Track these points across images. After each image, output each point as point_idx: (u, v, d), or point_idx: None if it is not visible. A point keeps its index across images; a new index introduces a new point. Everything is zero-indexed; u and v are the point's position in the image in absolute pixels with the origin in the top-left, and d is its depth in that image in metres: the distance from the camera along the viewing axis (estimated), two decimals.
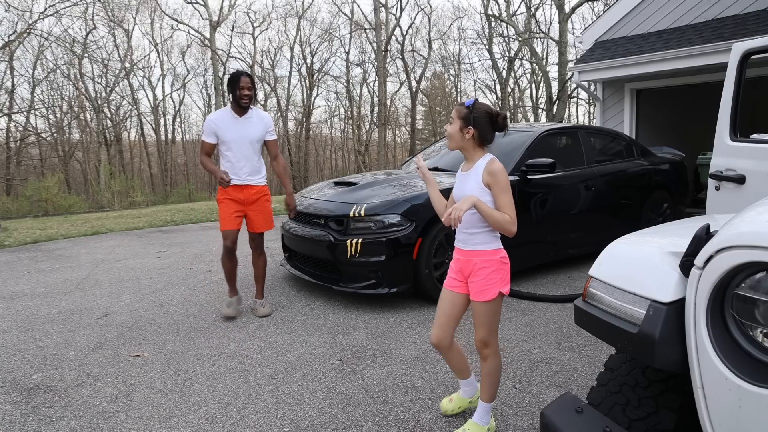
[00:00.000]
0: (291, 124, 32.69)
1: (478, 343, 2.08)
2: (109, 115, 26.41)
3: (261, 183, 3.70)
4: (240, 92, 3.48)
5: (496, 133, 2.03)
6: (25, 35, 20.06)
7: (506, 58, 27.81)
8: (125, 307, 4.07)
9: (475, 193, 1.97)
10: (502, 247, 2.06)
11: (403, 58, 27.61)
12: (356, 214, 3.79)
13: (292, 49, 31.39)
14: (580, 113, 30.93)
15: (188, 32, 40.29)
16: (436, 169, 4.88)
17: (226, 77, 28.19)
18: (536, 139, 4.69)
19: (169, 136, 32.18)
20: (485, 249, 2.02)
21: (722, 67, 3.30)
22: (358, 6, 55.11)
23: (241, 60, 30.31)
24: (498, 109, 2.12)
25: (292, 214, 3.95)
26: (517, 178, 4.31)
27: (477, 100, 2.02)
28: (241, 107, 3.53)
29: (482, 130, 1.98)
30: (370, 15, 25.88)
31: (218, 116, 3.58)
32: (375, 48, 24.67)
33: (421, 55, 30.00)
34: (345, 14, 30.78)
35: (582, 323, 1.57)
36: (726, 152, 2.95)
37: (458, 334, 3.32)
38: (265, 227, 3.76)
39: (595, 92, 8.49)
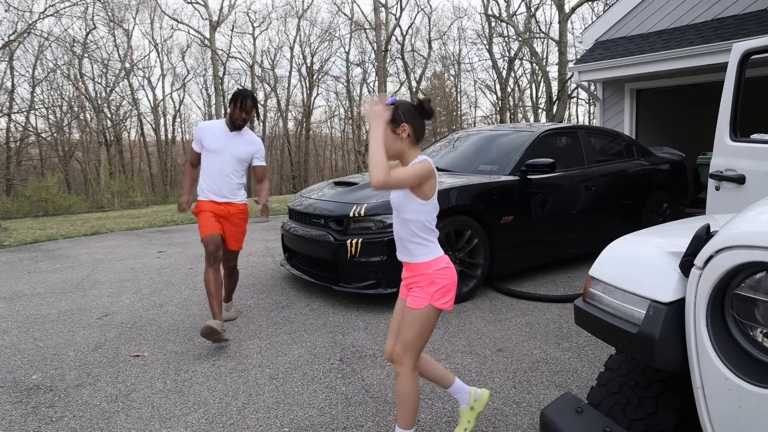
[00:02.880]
0: (291, 124, 32.73)
1: (392, 354, 1.92)
2: (109, 115, 26.41)
3: (240, 201, 3.49)
4: (238, 113, 3.35)
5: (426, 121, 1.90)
6: (25, 35, 20.07)
7: (506, 58, 27.82)
8: (125, 307, 4.07)
9: (401, 196, 1.85)
10: (441, 257, 1.88)
11: (403, 58, 27.61)
12: (356, 214, 3.79)
13: (292, 49, 31.45)
14: (580, 113, 30.96)
15: (188, 32, 40.35)
16: (436, 169, 4.87)
17: (227, 77, 28.16)
18: (536, 139, 4.69)
19: (169, 136, 32.20)
20: (422, 261, 1.87)
21: (722, 67, 3.30)
22: (358, 6, 55.15)
23: (241, 60, 30.37)
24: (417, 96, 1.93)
25: (264, 214, 3.50)
26: (517, 178, 4.31)
27: (396, 98, 1.86)
28: (235, 126, 3.40)
29: (414, 123, 1.83)
30: (370, 15, 25.88)
31: (209, 125, 3.46)
32: (375, 48, 24.67)
33: (421, 55, 30.03)
34: (345, 14, 30.82)
35: (582, 323, 1.57)
36: (726, 152, 2.95)
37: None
38: (235, 245, 3.53)
39: (595, 92, 8.49)
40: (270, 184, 3.61)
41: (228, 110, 3.43)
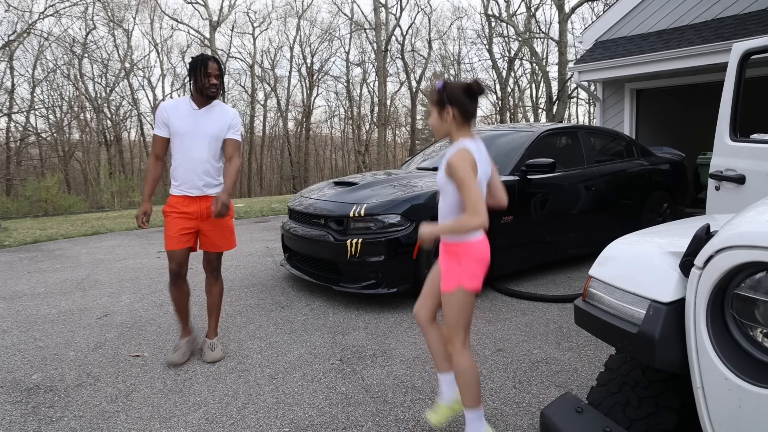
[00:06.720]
0: (291, 124, 32.73)
1: (419, 315, 2.13)
2: (109, 115, 26.41)
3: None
4: (207, 80, 2.84)
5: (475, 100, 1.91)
6: (25, 35, 20.07)
7: (506, 58, 27.82)
8: (125, 307, 4.07)
9: (441, 182, 1.91)
10: (472, 239, 1.88)
11: (403, 58, 27.62)
12: (356, 214, 3.79)
13: (292, 49, 31.51)
14: (580, 113, 30.95)
15: (188, 32, 40.39)
16: (435, 169, 4.88)
17: (227, 77, 28.06)
18: (536, 139, 4.69)
19: None
20: (452, 241, 1.91)
21: (722, 67, 3.30)
22: (358, 6, 55.14)
23: (241, 60, 30.38)
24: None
25: (214, 209, 2.75)
26: (517, 178, 4.31)
27: (446, 80, 1.90)
28: (207, 96, 2.88)
29: (459, 104, 1.86)
30: (370, 15, 25.90)
31: (173, 104, 2.93)
32: (375, 48, 24.68)
33: (421, 55, 30.04)
34: (345, 14, 30.87)
35: (582, 323, 1.57)
36: (726, 152, 2.95)
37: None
38: (223, 246, 3.04)
39: (595, 92, 8.49)
40: (236, 172, 2.97)
41: (190, 85, 2.91)
